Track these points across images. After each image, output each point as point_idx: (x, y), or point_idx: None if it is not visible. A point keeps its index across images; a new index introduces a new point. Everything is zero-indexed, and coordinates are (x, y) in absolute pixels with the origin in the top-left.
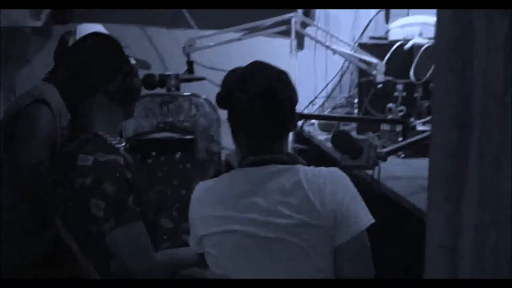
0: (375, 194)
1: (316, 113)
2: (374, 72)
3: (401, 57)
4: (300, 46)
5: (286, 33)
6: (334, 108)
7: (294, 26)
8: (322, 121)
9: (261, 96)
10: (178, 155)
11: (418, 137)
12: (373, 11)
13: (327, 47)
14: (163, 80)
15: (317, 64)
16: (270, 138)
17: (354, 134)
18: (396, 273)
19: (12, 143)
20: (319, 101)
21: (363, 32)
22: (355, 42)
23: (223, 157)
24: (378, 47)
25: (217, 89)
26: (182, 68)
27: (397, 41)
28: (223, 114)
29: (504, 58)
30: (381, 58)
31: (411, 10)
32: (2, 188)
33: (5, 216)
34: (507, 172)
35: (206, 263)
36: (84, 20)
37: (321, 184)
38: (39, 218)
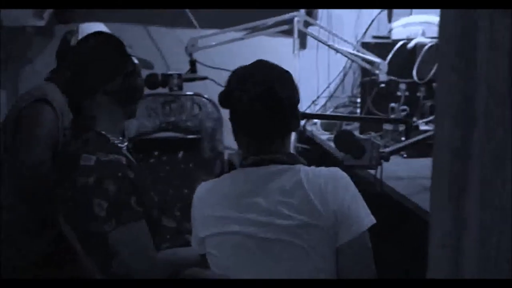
0: (377, 194)
1: (318, 112)
2: (376, 71)
3: (404, 57)
4: (303, 45)
5: (288, 33)
6: (336, 107)
7: (297, 25)
8: (324, 121)
9: (261, 96)
10: (180, 154)
11: (421, 136)
12: (375, 10)
13: (330, 46)
14: (165, 79)
15: (320, 63)
16: (270, 138)
17: (356, 133)
18: (398, 272)
19: (14, 143)
20: (321, 101)
21: (365, 32)
22: (357, 42)
23: (225, 157)
24: (380, 47)
25: (220, 89)
26: (185, 68)
27: (400, 40)
28: (226, 113)
29: (507, 58)
30: (384, 58)
31: (414, 10)
32: (2, 188)
33: (5, 216)
34: (510, 172)
35: (208, 263)
36: (87, 20)
37: (322, 184)
38: (39, 218)
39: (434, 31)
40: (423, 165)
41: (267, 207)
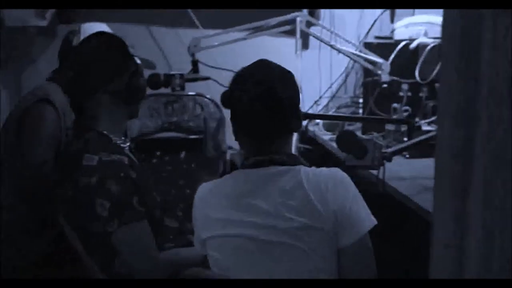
0: (379, 194)
1: (320, 112)
2: (379, 71)
3: (406, 57)
4: (305, 45)
5: (291, 33)
6: (339, 107)
7: (299, 25)
8: (326, 121)
9: (261, 96)
10: (182, 155)
11: (423, 137)
12: (378, 11)
13: (332, 46)
14: (168, 79)
15: (322, 63)
16: (270, 138)
17: (359, 134)
18: (401, 272)
19: (16, 143)
20: (323, 101)
21: (368, 32)
22: (360, 42)
23: (228, 157)
24: (383, 47)
25: (222, 89)
26: (187, 68)
27: (402, 40)
28: (228, 114)
29: (510, 58)
30: (386, 58)
31: (416, 10)
32: (2, 188)
33: (5, 216)
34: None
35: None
36: (89, 20)
37: (322, 184)
38: (39, 218)
39: (436, 31)
40: (425, 166)
41: (267, 209)
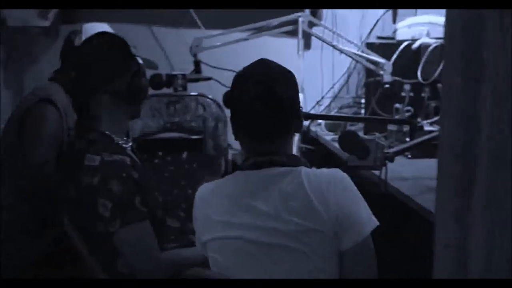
0: (381, 195)
1: (323, 113)
2: (381, 72)
3: (409, 57)
4: (307, 46)
5: (293, 33)
6: (341, 108)
7: (301, 26)
8: (329, 121)
9: (261, 96)
10: (184, 155)
11: (426, 137)
12: (380, 11)
13: (334, 47)
14: (170, 80)
15: (324, 64)
16: (270, 138)
17: (361, 134)
18: (403, 273)
19: (18, 143)
20: (326, 101)
21: (370, 32)
22: (362, 42)
23: (229, 157)
24: (385, 47)
25: (224, 89)
26: (189, 68)
27: (404, 41)
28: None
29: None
30: (388, 58)
31: (418, 10)
32: (2, 188)
33: (5, 216)
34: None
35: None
36: (91, 20)
37: (323, 185)
38: (39, 218)
39: (439, 31)
40: (427, 166)
41: (268, 211)
